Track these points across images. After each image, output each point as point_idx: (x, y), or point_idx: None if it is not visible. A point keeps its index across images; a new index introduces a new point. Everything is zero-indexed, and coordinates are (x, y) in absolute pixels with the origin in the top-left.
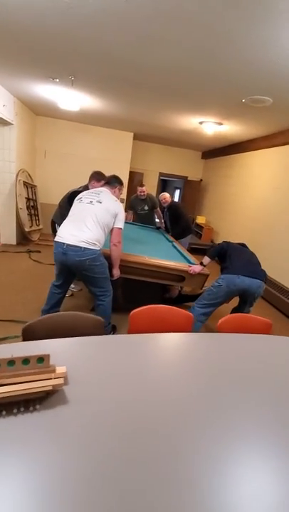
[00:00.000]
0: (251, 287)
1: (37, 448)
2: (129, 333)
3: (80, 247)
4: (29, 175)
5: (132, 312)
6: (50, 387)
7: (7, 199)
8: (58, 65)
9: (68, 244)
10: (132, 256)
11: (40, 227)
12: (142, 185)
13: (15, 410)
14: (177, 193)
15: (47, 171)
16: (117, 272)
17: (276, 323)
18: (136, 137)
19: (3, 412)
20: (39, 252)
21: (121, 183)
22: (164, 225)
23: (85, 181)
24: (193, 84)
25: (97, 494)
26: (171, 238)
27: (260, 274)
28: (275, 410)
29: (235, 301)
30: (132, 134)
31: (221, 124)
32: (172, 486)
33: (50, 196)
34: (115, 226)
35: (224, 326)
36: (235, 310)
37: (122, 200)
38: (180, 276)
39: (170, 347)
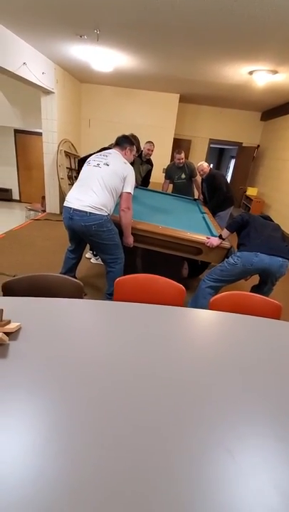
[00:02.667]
0: (272, 266)
1: None
2: (114, 300)
3: (86, 212)
4: (73, 145)
5: (117, 279)
6: None
7: (51, 169)
8: (81, 17)
9: (74, 209)
10: (143, 224)
11: None
12: (179, 152)
13: None
14: (233, 162)
15: (91, 141)
16: (129, 240)
17: None
18: (183, 99)
19: None
20: None
21: (132, 143)
22: (201, 196)
23: None
24: (241, 20)
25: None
26: (205, 210)
27: (282, 251)
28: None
29: (255, 278)
30: (177, 95)
31: (275, 72)
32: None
33: None
34: (124, 190)
35: (218, 304)
36: (254, 289)
37: (163, 171)
38: (197, 248)
39: (150, 319)
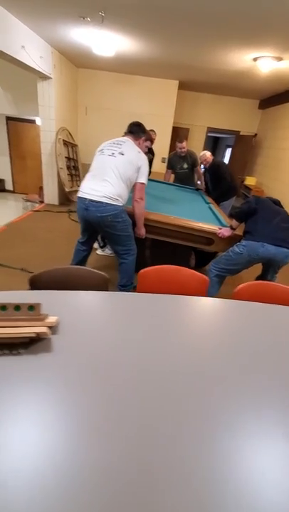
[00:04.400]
0: (276, 256)
1: (16, 389)
2: (137, 292)
3: (102, 203)
4: (70, 133)
5: (140, 271)
6: (34, 334)
7: (49, 158)
8: None
9: (90, 200)
10: (156, 214)
11: None
12: (181, 141)
13: None
14: (228, 151)
15: (88, 130)
16: (141, 231)
17: None
18: (182, 86)
19: None
20: None
21: (145, 131)
22: (204, 185)
23: None
24: (248, 4)
25: (74, 446)
26: (210, 200)
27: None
28: None
29: (258, 268)
30: (176, 82)
31: (280, 59)
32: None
33: (92, 156)
34: (138, 181)
35: (243, 293)
36: (259, 278)
37: (162, 160)
38: (208, 238)
39: (175, 309)
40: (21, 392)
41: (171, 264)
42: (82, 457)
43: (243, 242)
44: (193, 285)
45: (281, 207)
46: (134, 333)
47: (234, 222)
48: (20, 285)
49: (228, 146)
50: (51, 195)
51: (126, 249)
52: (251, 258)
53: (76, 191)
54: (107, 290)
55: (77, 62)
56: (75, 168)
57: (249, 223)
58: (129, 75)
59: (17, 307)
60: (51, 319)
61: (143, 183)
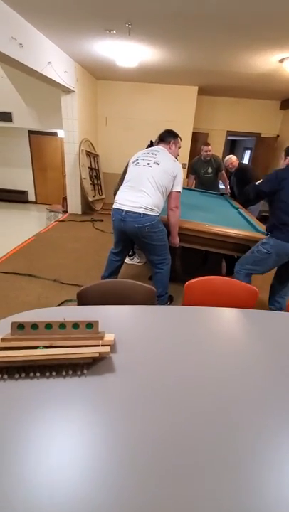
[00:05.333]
0: None
1: (80, 411)
2: (184, 305)
3: (139, 213)
4: (91, 144)
5: (187, 283)
6: (97, 354)
7: (73, 169)
8: (113, 11)
9: (127, 211)
10: (190, 223)
11: (103, 196)
12: (207, 145)
13: (63, 373)
14: (247, 154)
15: (109, 140)
16: (176, 240)
17: None
18: (201, 92)
19: (53, 373)
20: (101, 220)
21: (176, 136)
22: (229, 190)
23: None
24: (273, 4)
25: (141, 465)
26: (238, 205)
27: None
28: None
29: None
30: (196, 88)
31: None
32: (224, 460)
33: (112, 165)
34: (174, 190)
35: None
36: (277, 279)
37: (184, 166)
38: (245, 246)
39: (227, 323)
40: (87, 413)
41: (204, 273)
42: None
43: (271, 241)
44: (242, 296)
45: None
46: (186, 347)
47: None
48: (55, 297)
49: (247, 149)
50: (74, 205)
51: (161, 259)
52: (280, 258)
53: (98, 200)
54: (154, 303)
55: (97, 74)
56: (97, 178)
57: (275, 212)
58: (148, 84)
59: (75, 325)
60: (109, 337)
61: (179, 192)
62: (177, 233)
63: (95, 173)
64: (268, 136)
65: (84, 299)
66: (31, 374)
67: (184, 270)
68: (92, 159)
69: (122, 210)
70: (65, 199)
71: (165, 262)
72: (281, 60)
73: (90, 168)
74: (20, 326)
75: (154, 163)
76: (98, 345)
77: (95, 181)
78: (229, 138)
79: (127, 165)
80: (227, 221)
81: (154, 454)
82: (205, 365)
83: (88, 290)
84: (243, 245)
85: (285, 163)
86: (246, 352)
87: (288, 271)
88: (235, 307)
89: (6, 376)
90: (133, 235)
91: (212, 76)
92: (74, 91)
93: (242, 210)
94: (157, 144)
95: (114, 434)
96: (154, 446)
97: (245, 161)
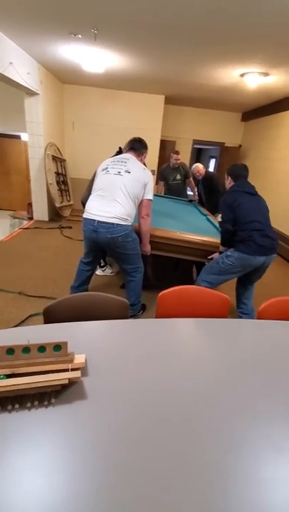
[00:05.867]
0: (266, 263)
1: (51, 446)
2: (157, 316)
3: (112, 224)
4: (58, 149)
5: (160, 293)
6: (67, 381)
7: (38, 174)
8: (79, 15)
9: (99, 221)
10: (162, 231)
11: (71, 202)
12: (176, 153)
13: (28, 404)
14: (212, 162)
15: (76, 145)
16: (147, 248)
17: None
18: (168, 101)
19: (16, 405)
20: (70, 227)
21: (147, 147)
22: (197, 196)
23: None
24: (237, 22)
25: (117, 497)
26: (206, 212)
27: (276, 248)
28: None
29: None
30: (163, 96)
31: (266, 74)
32: (201, 482)
33: (80, 171)
34: (145, 197)
35: (268, 312)
36: (241, 284)
37: (153, 173)
38: (215, 252)
39: (202, 334)
40: (58, 448)
41: (176, 279)
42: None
43: (235, 254)
44: (215, 305)
45: (258, 203)
46: (161, 363)
47: (221, 248)
48: (20, 311)
49: (212, 157)
50: (41, 212)
51: (134, 267)
52: (244, 269)
53: (66, 206)
54: (128, 316)
55: (62, 77)
56: (64, 183)
57: (236, 232)
58: (115, 91)
59: (41, 348)
60: (79, 359)
61: (150, 200)
62: (148, 241)
63: (62, 179)
64: (231, 145)
65: (51, 315)
66: None
67: (155, 277)
68: (58, 164)
69: (94, 220)
70: (30, 205)
71: (138, 270)
72: (242, 75)
73: (57, 173)
74: None
75: (125, 171)
76: (68, 370)
77: (63, 187)
78: (195, 146)
79: (95, 173)
80: (197, 228)
81: (130, 489)
82: (183, 381)
83: (56, 306)
84: (213, 252)
85: (229, 185)
86: (224, 362)
87: (249, 277)
88: (209, 316)
89: None
90: (106, 245)
91: (178, 86)
92: (38, 93)
93: (210, 217)
94: (127, 152)
95: (90, 466)
96: (133, 472)
97: (211, 168)
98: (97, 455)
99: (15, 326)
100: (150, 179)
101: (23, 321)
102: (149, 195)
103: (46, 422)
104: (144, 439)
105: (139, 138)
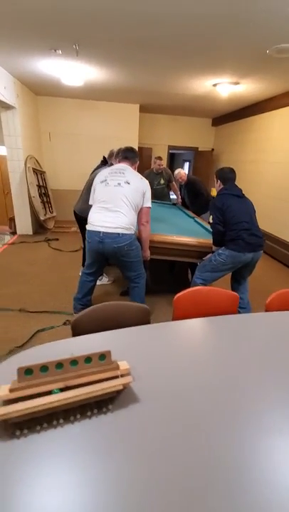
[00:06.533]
0: (254, 259)
1: (121, 449)
2: (174, 317)
3: (118, 234)
4: (37, 161)
5: (176, 296)
6: (121, 387)
7: (19, 188)
8: (60, 31)
9: (104, 232)
10: (160, 236)
11: (54, 214)
12: (160, 159)
13: (88, 413)
14: (186, 166)
15: (54, 155)
16: (147, 253)
17: None
18: (142, 109)
19: (78, 416)
20: (57, 239)
21: (138, 156)
22: (180, 199)
23: (93, 163)
24: (209, 35)
25: (180, 497)
26: (192, 214)
27: (262, 244)
28: None
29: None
30: (137, 105)
31: (237, 83)
32: (253, 484)
33: (60, 182)
34: (144, 205)
35: (274, 304)
36: (235, 280)
37: None
38: (209, 252)
39: (221, 330)
40: (129, 450)
41: (174, 282)
42: None
43: (226, 252)
44: (225, 303)
45: (243, 195)
46: (198, 360)
47: (214, 248)
48: (24, 328)
49: (185, 161)
50: (24, 226)
51: (137, 274)
52: (235, 265)
53: (50, 218)
54: (149, 321)
55: (36, 90)
56: (46, 195)
57: (226, 232)
58: (91, 101)
59: (88, 359)
60: (123, 365)
61: (149, 207)
62: (148, 246)
63: (43, 191)
64: (204, 149)
65: (78, 328)
66: (54, 422)
67: (153, 281)
68: (39, 176)
69: (99, 231)
70: (12, 219)
71: (141, 276)
72: (214, 85)
73: (39, 186)
74: (28, 371)
75: (125, 182)
76: (117, 377)
77: (45, 199)
78: (173, 151)
79: (90, 184)
80: (188, 231)
81: (193, 489)
82: (226, 377)
83: (82, 319)
84: (206, 252)
85: (218, 187)
86: (260, 356)
87: (240, 273)
88: (221, 313)
89: (26, 431)
90: (112, 255)
91: (153, 95)
92: (15, 107)
93: (197, 219)
94: (120, 162)
95: (160, 467)
96: (192, 478)
97: (186, 171)
98: (163, 454)
99: (24, 344)
100: (148, 188)
101: (31, 338)
102: (148, 203)
103: (110, 427)
104: (199, 438)
105: (131, 147)
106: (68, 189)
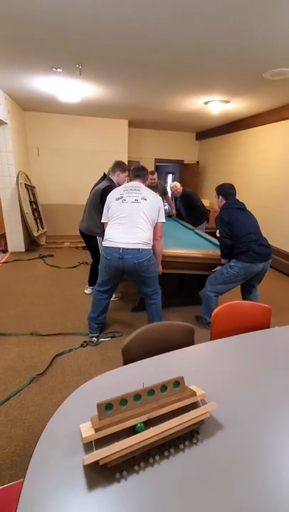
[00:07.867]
0: (264, 268)
1: (221, 477)
2: (212, 334)
3: (138, 249)
4: (27, 176)
5: (214, 312)
6: (208, 414)
7: (11, 205)
8: (65, 52)
9: (124, 248)
10: (170, 250)
11: (45, 229)
12: (152, 173)
13: (181, 445)
14: (170, 177)
15: (43, 170)
16: (160, 268)
17: None
18: (130, 124)
19: (171, 450)
20: (52, 255)
21: (148, 173)
22: (175, 211)
23: (83, 177)
24: (207, 62)
25: None
26: (189, 225)
27: (270, 253)
28: None
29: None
30: (126, 121)
31: (228, 102)
32: None
33: (50, 196)
34: (159, 221)
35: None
36: (245, 290)
37: None
38: (216, 264)
39: (269, 346)
40: (225, 475)
41: (183, 295)
42: None
43: (238, 264)
44: (258, 316)
45: (250, 219)
46: (268, 378)
47: (223, 260)
48: (41, 353)
49: (169, 173)
50: (16, 243)
51: (154, 290)
52: (247, 276)
53: (42, 234)
54: (194, 341)
55: (24, 105)
56: (37, 211)
57: (235, 244)
58: (79, 116)
59: (163, 388)
60: (198, 390)
61: (163, 222)
62: (161, 261)
63: (34, 206)
64: (189, 162)
65: (129, 353)
66: (150, 459)
67: (164, 295)
68: (30, 192)
69: (119, 247)
70: (3, 236)
71: (157, 292)
72: (206, 103)
73: (30, 202)
74: (108, 406)
75: (142, 198)
76: (196, 403)
77: (36, 215)
78: (160, 164)
79: (95, 201)
80: (191, 243)
81: None
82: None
83: (131, 344)
84: (214, 264)
85: (220, 203)
86: None
87: (250, 282)
88: (256, 329)
89: (125, 472)
90: (131, 271)
91: (143, 112)
92: (6, 123)
93: (197, 230)
94: (132, 180)
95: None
96: None
97: (169, 183)
98: (270, 478)
99: (45, 370)
100: (162, 203)
101: (50, 364)
102: (163, 218)
103: (202, 456)
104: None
105: (142, 166)
106: (58, 203)
